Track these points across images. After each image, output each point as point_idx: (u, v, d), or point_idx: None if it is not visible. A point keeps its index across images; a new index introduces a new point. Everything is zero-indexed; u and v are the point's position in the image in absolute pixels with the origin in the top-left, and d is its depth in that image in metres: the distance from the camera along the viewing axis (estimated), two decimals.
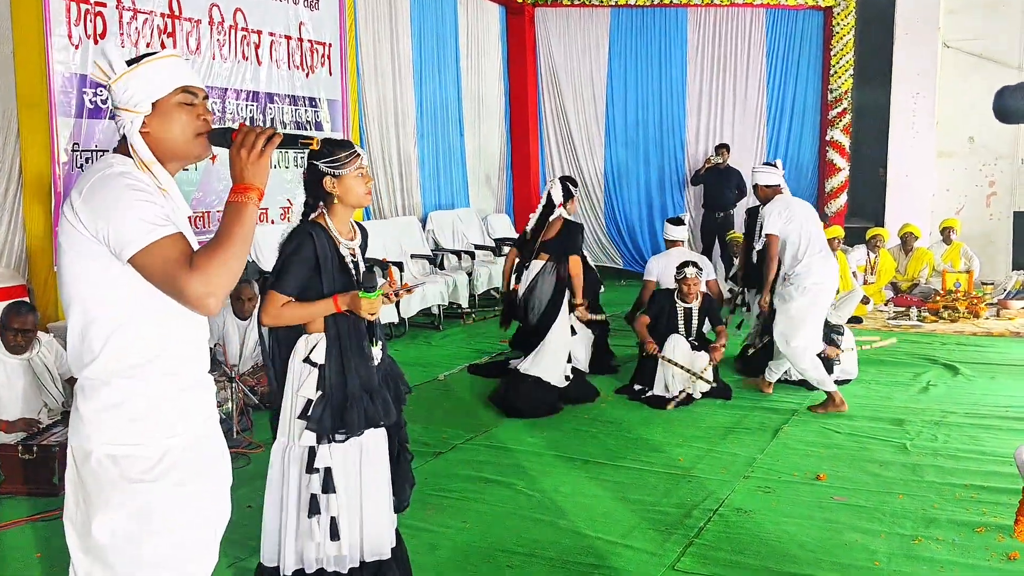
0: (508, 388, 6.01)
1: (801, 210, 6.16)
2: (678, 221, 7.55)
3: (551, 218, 5.91)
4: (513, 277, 6.13)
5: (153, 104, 2.02)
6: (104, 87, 2.06)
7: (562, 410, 5.93)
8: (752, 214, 7.93)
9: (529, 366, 5.90)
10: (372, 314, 3.00)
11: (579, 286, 6.03)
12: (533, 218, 6.04)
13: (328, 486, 3.00)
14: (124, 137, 2.05)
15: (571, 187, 6.05)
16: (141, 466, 1.99)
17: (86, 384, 2.00)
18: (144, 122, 2.02)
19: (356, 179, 3.04)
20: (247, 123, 7.06)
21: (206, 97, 2.12)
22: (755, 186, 6.38)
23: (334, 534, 3.02)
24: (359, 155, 3.06)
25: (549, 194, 5.94)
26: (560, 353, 5.95)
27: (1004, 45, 10.98)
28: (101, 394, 1.98)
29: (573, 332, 6.20)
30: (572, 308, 6.11)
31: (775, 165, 6.45)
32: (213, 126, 2.09)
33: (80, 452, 2.00)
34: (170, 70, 2.04)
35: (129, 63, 2.03)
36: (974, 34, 11.09)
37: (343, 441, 3.01)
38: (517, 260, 6.12)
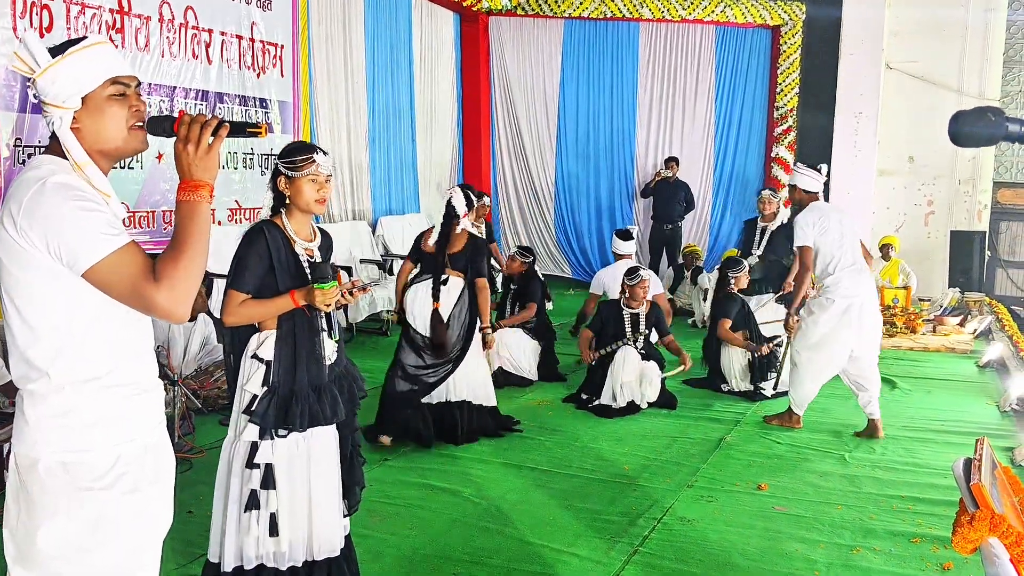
0: (430, 420, 5.39)
1: (837, 219, 5.69)
2: (626, 235, 7.57)
3: (457, 230, 5.37)
4: (409, 293, 5.46)
5: (83, 99, 1.91)
6: (29, 81, 1.93)
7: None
8: (750, 226, 7.99)
9: (458, 391, 5.45)
10: (327, 305, 2.99)
11: (486, 310, 5.48)
12: (435, 229, 5.46)
13: (268, 482, 3.00)
14: (54, 135, 1.93)
15: (473, 196, 5.63)
16: (92, 473, 1.92)
17: (35, 391, 1.91)
18: (75, 118, 1.91)
19: (308, 184, 3.04)
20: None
21: (139, 85, 2.01)
22: (792, 187, 5.83)
23: (272, 530, 3.02)
24: (315, 161, 3.04)
25: (450, 203, 5.37)
26: (485, 371, 5.59)
27: (945, 68, 11.30)
28: (51, 400, 1.90)
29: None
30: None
31: (819, 170, 5.83)
32: (151, 115, 2.01)
33: (25, 459, 1.91)
34: (98, 60, 1.93)
35: (53, 53, 1.90)
36: (916, 56, 11.39)
37: (284, 437, 3.01)
38: (415, 273, 5.53)
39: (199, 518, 4.07)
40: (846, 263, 5.58)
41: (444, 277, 5.32)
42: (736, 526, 4.25)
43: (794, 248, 5.73)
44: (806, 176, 5.74)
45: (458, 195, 5.38)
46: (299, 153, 3.06)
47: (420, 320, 5.34)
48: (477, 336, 5.42)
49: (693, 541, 4.06)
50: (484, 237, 5.51)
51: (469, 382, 5.48)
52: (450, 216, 5.35)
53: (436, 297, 5.27)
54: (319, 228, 3.27)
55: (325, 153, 3.10)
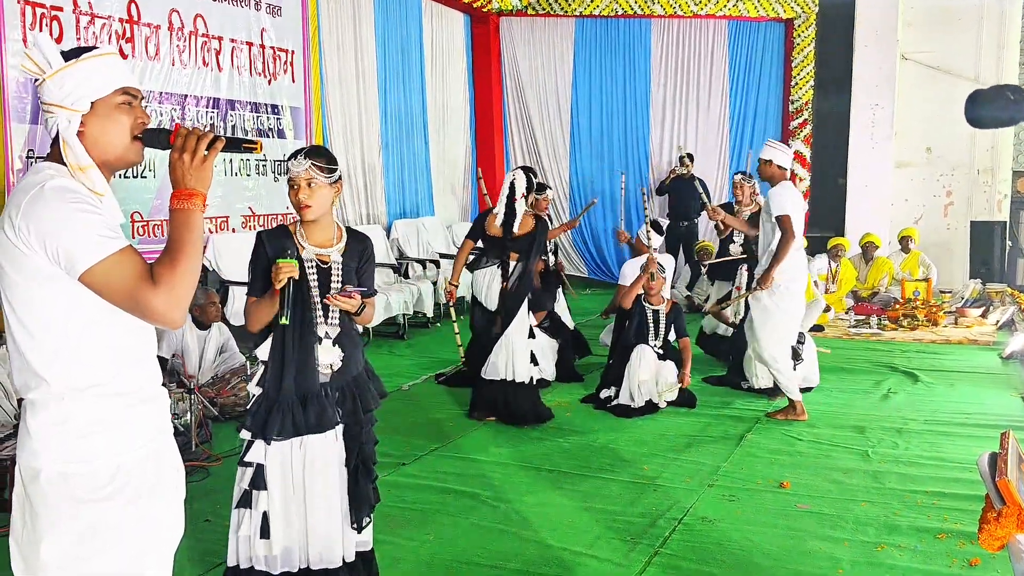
0: (496, 398, 5.83)
1: (801, 202, 6.00)
2: (660, 228, 7.47)
3: (522, 212, 5.76)
4: (478, 277, 5.95)
5: (92, 104, 1.94)
6: (35, 81, 1.97)
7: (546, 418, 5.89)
8: (727, 208, 7.99)
9: (503, 370, 5.79)
10: (279, 280, 2.91)
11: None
12: (500, 211, 5.81)
13: (258, 482, 3.02)
14: (55, 141, 1.95)
15: (533, 177, 5.97)
16: (92, 484, 1.91)
17: (36, 400, 1.91)
18: (81, 122, 1.93)
19: (291, 190, 3.11)
20: (205, 130, 6.98)
21: (142, 98, 2.05)
22: (767, 162, 5.88)
23: (264, 532, 3.03)
24: (289, 169, 3.07)
25: (512, 184, 5.77)
26: (524, 352, 5.85)
27: (960, 57, 11.19)
28: (51, 409, 1.90)
29: (532, 335, 6.03)
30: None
31: (789, 146, 6.04)
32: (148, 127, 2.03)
33: (28, 470, 1.91)
34: (110, 69, 1.97)
35: (66, 57, 1.94)
36: (931, 46, 11.28)
37: (268, 443, 3.04)
38: (475, 254, 6.04)
39: (216, 526, 4.05)
40: (798, 243, 5.82)
41: (510, 263, 5.76)
42: (758, 525, 4.19)
43: (772, 218, 5.84)
44: (781, 152, 5.89)
45: (520, 177, 5.78)
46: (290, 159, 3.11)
47: (491, 300, 5.82)
48: (522, 318, 5.77)
49: (715, 541, 4.01)
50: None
51: (518, 361, 5.80)
52: (512, 198, 5.72)
53: (505, 277, 5.77)
54: (351, 230, 3.27)
55: (306, 157, 3.06)
